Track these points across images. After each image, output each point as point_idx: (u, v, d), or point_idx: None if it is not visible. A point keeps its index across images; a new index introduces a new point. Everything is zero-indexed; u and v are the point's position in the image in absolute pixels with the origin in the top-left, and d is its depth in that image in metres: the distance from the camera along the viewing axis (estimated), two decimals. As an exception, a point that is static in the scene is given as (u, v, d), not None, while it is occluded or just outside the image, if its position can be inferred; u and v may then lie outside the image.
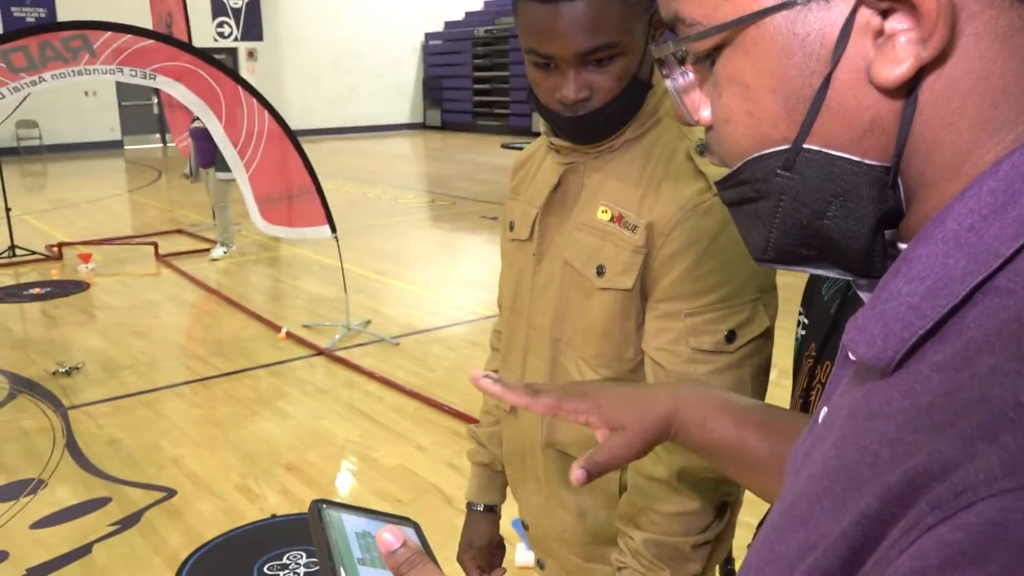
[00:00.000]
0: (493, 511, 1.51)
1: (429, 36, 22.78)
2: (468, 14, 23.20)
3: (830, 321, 0.99)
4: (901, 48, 0.41)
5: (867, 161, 0.45)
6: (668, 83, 0.53)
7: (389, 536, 0.56)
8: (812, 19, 0.43)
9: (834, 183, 0.46)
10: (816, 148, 0.46)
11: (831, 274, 0.50)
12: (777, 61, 0.45)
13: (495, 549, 1.51)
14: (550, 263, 1.25)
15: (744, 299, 1.10)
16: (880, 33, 0.42)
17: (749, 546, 0.61)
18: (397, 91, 22.70)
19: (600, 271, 1.17)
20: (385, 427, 4.20)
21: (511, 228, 1.33)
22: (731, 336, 1.09)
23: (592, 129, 1.15)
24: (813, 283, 1.12)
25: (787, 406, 1.06)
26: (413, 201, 11.39)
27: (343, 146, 18.59)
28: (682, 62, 0.53)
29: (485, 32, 21.38)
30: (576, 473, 0.76)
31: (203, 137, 7.29)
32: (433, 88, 22.81)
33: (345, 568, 0.60)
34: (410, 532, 0.66)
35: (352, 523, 0.66)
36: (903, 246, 0.47)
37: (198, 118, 7.44)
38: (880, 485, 0.38)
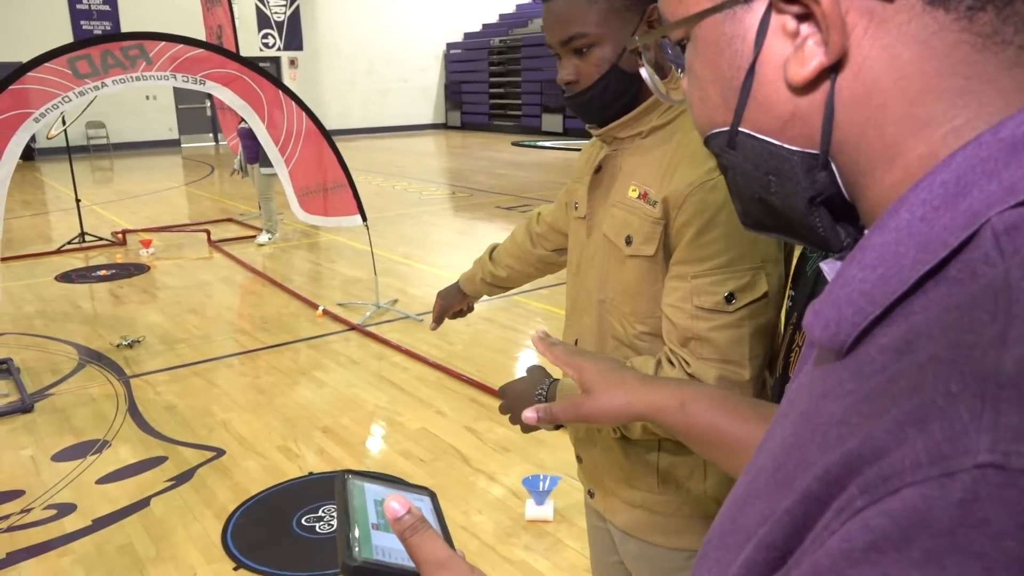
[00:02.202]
0: (464, 293, 1.78)
1: (450, 46, 22.64)
2: (485, 26, 23.02)
3: (808, 289, 0.97)
4: (808, 51, 0.41)
5: (791, 147, 0.44)
6: (642, 71, 0.58)
7: (395, 504, 0.55)
8: (738, 21, 0.44)
9: (767, 162, 0.46)
10: (748, 132, 0.46)
11: (799, 244, 0.50)
12: (714, 56, 0.46)
13: (458, 313, 1.82)
14: (596, 236, 1.30)
15: (744, 266, 1.10)
16: (796, 36, 0.42)
17: None
18: (422, 95, 22.60)
19: (628, 241, 1.21)
20: (410, 394, 4.18)
21: (576, 208, 1.39)
22: (730, 297, 1.10)
23: (581, 108, 1.22)
24: (802, 261, 1.10)
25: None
26: (436, 193, 11.33)
27: (375, 144, 18.52)
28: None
29: (500, 42, 21.22)
30: (528, 414, 0.85)
31: (249, 136, 7.26)
32: (454, 92, 22.69)
33: (360, 532, 0.58)
34: (424, 501, 0.64)
35: (372, 491, 0.64)
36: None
37: (244, 119, 7.43)
38: (821, 466, 0.35)
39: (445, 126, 22.98)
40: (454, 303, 1.81)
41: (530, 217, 1.69)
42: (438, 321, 1.82)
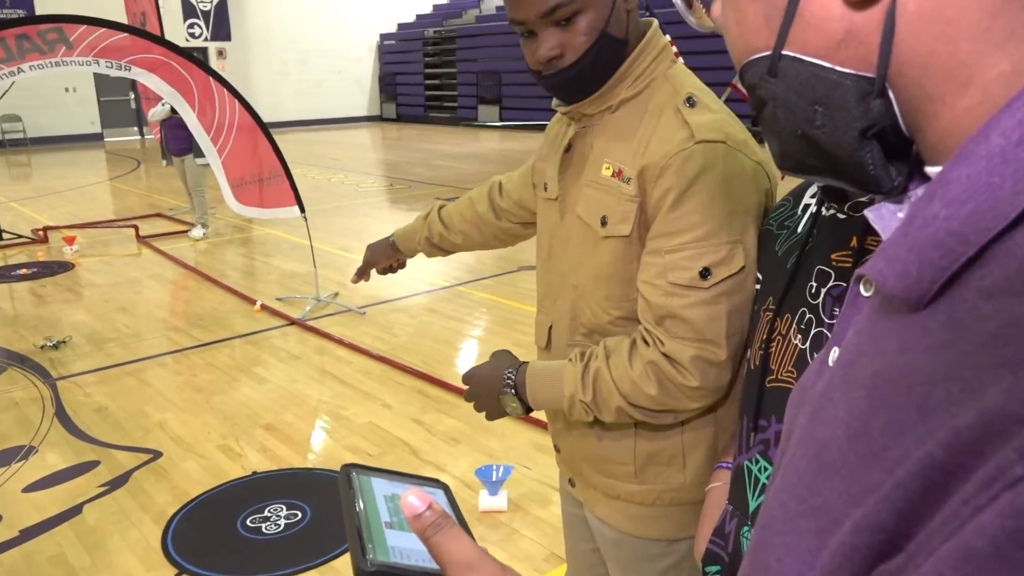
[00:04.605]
0: (397, 249, 1.71)
1: (384, 36, 22.30)
2: (419, 16, 22.76)
3: (788, 276, 0.93)
4: None
5: (843, 69, 0.40)
6: None
7: (414, 499, 0.47)
8: None
9: (814, 90, 0.41)
10: (793, 55, 0.41)
11: (845, 186, 0.45)
12: None
13: (387, 269, 1.76)
14: (570, 217, 1.24)
15: (720, 240, 1.05)
16: None
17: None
18: (357, 86, 22.21)
19: (603, 221, 1.15)
20: (354, 388, 4.08)
21: (545, 188, 1.32)
22: (705, 273, 1.06)
23: (569, 84, 1.13)
24: (765, 240, 1.06)
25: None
26: (373, 186, 11.15)
27: (309, 136, 18.12)
28: None
29: (434, 32, 21.02)
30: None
31: (178, 126, 6.99)
32: (388, 84, 22.37)
33: (372, 532, 0.51)
34: (439, 495, 0.57)
35: (381, 487, 0.56)
36: (931, 169, 0.39)
37: (159, 105, 7.14)
38: (944, 430, 0.30)
39: (380, 118, 22.64)
40: (381, 258, 1.73)
41: (490, 186, 1.59)
42: (360, 275, 1.73)
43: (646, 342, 1.11)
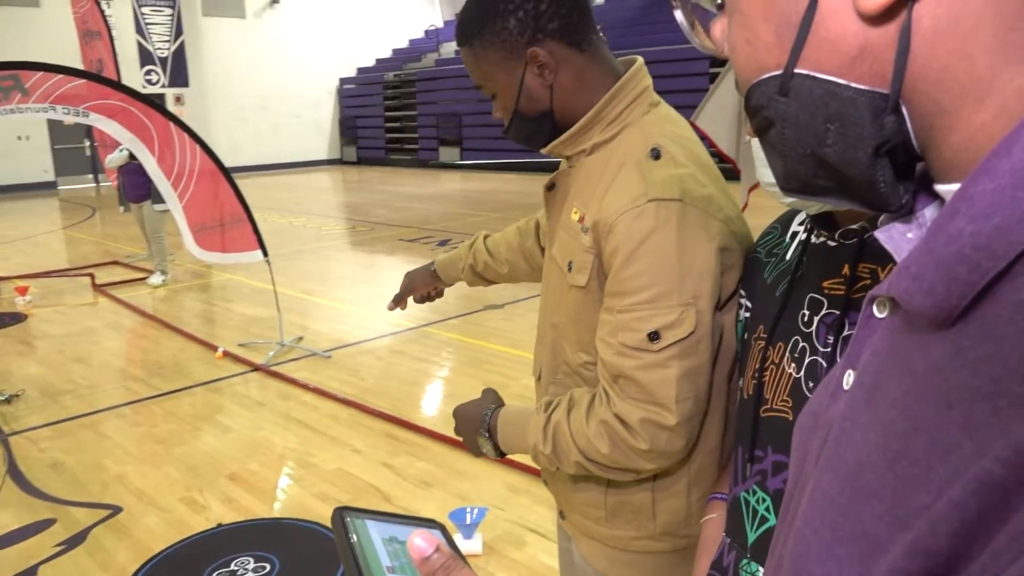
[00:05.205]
0: (437, 277, 1.69)
1: (344, 80, 22.42)
2: (378, 60, 22.95)
3: (779, 304, 0.92)
4: None
5: (858, 85, 0.39)
6: (676, 14, 0.50)
7: (421, 542, 0.46)
8: None
9: (827, 107, 0.40)
10: (807, 72, 0.41)
11: (850, 206, 0.44)
12: None
13: (425, 297, 1.73)
14: (550, 258, 1.25)
15: (671, 303, 1.03)
16: None
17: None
18: (316, 130, 22.22)
19: (570, 267, 1.16)
20: (322, 434, 3.99)
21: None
22: (654, 336, 1.03)
23: (515, 138, 1.24)
24: (753, 268, 1.05)
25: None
26: (336, 228, 11.09)
27: (269, 180, 18.01)
28: None
29: (394, 76, 21.20)
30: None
31: (136, 172, 6.90)
32: (349, 127, 22.43)
33: None
34: (436, 534, 0.55)
35: (378, 529, 0.54)
36: (943, 187, 0.39)
37: (116, 151, 7.04)
38: (1001, 446, 0.29)
39: (341, 161, 22.64)
40: (421, 286, 1.70)
41: (537, 219, 1.58)
42: (397, 301, 1.71)
43: (602, 400, 1.09)
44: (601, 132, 1.14)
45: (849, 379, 0.43)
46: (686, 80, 13.59)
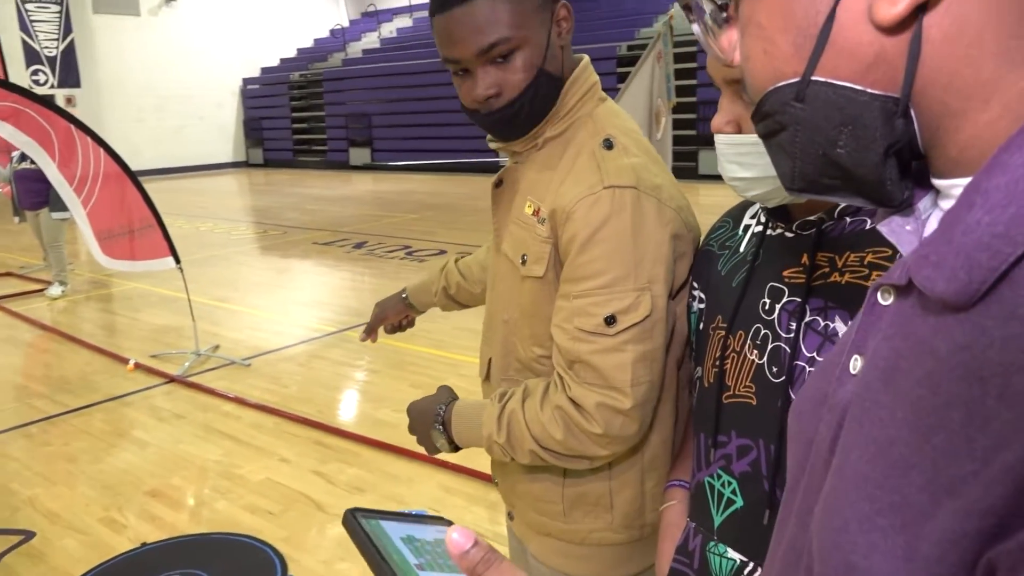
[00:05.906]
0: (409, 305, 1.66)
1: (247, 80, 21.74)
2: (283, 60, 22.36)
3: (738, 294, 0.96)
4: None
5: (872, 91, 0.42)
6: (694, 27, 0.52)
7: (459, 537, 0.46)
8: None
9: (841, 112, 0.43)
10: (823, 79, 0.43)
11: (855, 203, 0.47)
12: (785, 2, 0.44)
13: (396, 327, 1.71)
14: (500, 254, 1.23)
15: (627, 287, 1.05)
16: None
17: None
18: (220, 132, 21.45)
19: (524, 260, 1.15)
20: (246, 444, 3.88)
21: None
22: (611, 320, 1.05)
23: (506, 123, 1.12)
24: (707, 260, 1.08)
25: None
26: (246, 233, 10.76)
27: (171, 185, 17.29)
28: (725, 7, 0.50)
29: (300, 76, 20.72)
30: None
31: (33, 178, 6.52)
32: (254, 128, 21.76)
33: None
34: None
35: (394, 529, 0.55)
36: (944, 182, 0.43)
37: (25, 159, 6.65)
38: None
39: (247, 164, 21.95)
40: (392, 315, 1.67)
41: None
42: (369, 333, 1.67)
43: (556, 386, 1.11)
44: (553, 127, 1.15)
45: (857, 364, 0.46)
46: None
